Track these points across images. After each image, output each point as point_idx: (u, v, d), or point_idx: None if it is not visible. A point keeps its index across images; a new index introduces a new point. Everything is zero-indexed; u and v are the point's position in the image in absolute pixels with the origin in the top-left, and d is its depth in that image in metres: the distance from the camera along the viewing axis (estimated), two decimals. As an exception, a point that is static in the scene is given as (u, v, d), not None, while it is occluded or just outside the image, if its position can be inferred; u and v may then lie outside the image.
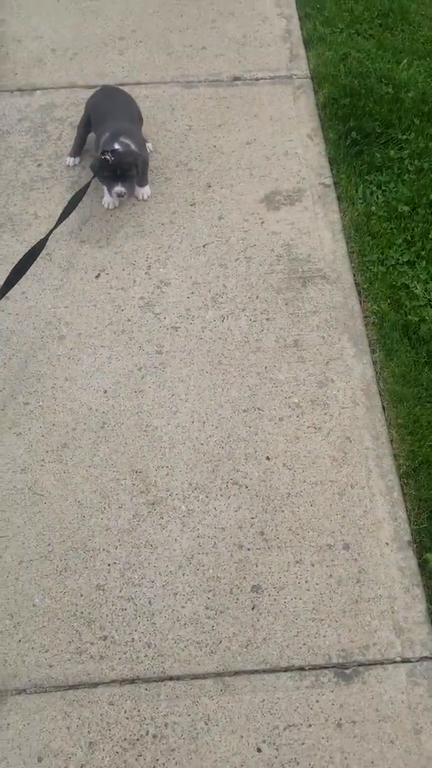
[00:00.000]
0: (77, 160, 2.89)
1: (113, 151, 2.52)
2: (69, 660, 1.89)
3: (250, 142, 2.99)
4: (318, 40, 3.33)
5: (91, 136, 2.84)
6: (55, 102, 3.11)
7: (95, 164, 2.58)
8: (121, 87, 3.10)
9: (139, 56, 3.30)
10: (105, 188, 2.73)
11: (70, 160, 2.88)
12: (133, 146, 2.59)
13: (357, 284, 2.58)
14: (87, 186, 2.62)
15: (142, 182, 2.77)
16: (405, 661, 1.89)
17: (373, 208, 2.74)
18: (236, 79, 3.21)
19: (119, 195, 2.61)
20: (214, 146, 2.97)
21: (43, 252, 2.64)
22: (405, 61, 3.21)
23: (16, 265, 2.40)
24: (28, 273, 2.57)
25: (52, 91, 3.16)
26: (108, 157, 2.51)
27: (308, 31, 3.38)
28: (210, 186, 2.86)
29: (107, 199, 2.77)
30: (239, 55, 3.29)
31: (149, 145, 2.89)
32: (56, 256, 2.65)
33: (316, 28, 3.38)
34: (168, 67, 3.25)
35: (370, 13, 3.46)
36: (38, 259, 2.61)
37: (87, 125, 2.80)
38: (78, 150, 2.87)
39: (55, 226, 2.53)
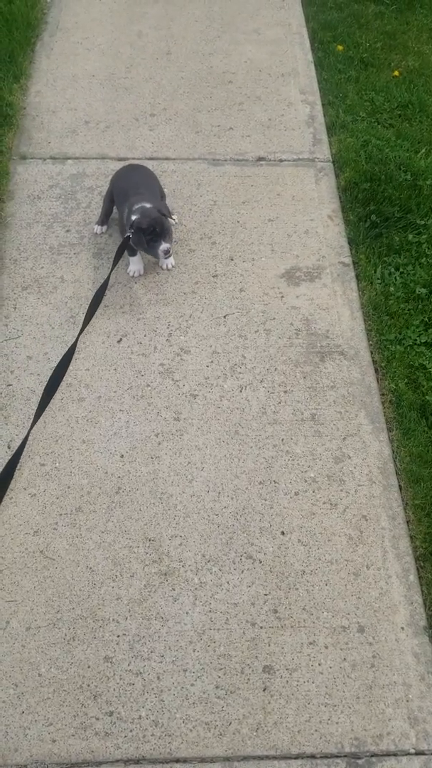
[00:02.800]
0: (104, 228, 2.97)
1: (144, 216, 2.59)
2: (73, 735, 1.83)
3: (273, 219, 3.08)
4: (340, 127, 3.48)
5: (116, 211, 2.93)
6: (85, 171, 3.22)
7: (136, 237, 2.63)
8: (149, 161, 3.23)
9: (168, 133, 3.44)
10: (130, 258, 2.80)
11: (97, 228, 2.97)
12: (154, 206, 2.65)
13: (374, 362, 2.62)
14: (107, 280, 2.67)
15: (167, 253, 2.84)
16: (419, 753, 1.83)
17: (392, 288, 2.81)
18: (261, 159, 3.34)
19: (166, 252, 2.64)
20: (238, 221, 3.07)
21: (68, 314, 2.70)
22: (423, 150, 3.35)
23: (49, 380, 2.42)
24: (51, 335, 2.62)
25: (83, 160, 3.28)
26: (130, 234, 2.61)
27: (331, 118, 3.54)
28: (232, 259, 2.93)
29: (132, 268, 2.84)
30: (264, 137, 3.43)
31: (174, 218, 2.97)
32: (79, 320, 2.69)
33: (339, 116, 3.54)
34: (196, 145, 3.38)
35: (390, 104, 3.63)
36: (62, 322, 2.66)
37: (111, 199, 2.90)
38: (104, 219, 2.96)
39: (83, 328, 2.56)
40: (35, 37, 3.97)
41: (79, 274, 2.83)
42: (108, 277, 2.65)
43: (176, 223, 2.99)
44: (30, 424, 2.36)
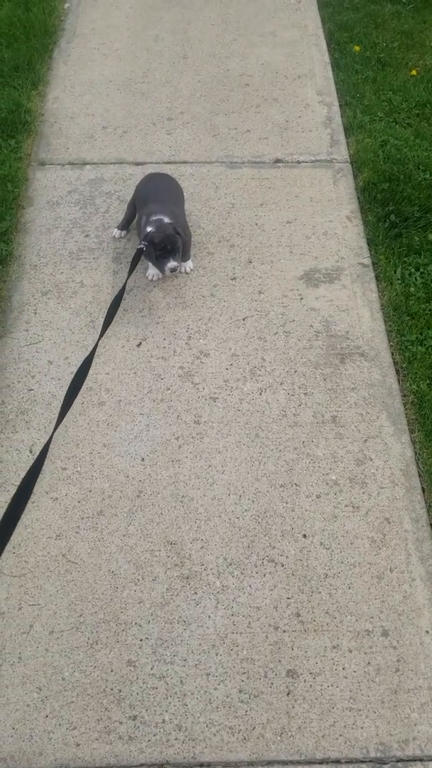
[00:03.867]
0: (123, 233, 2.98)
1: (159, 231, 2.61)
2: (97, 740, 1.83)
3: (291, 221, 3.07)
4: (358, 127, 3.46)
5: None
6: (104, 176, 3.24)
7: (146, 250, 2.65)
8: (167, 165, 3.24)
9: (186, 136, 3.44)
10: (149, 263, 2.81)
11: (116, 232, 2.98)
12: (171, 221, 2.66)
13: (395, 363, 2.60)
14: (124, 288, 2.66)
15: (186, 257, 2.85)
16: (446, 759, 1.81)
17: (412, 289, 2.79)
18: (278, 161, 3.33)
19: (173, 270, 2.66)
20: (256, 224, 3.06)
21: (87, 319, 2.71)
22: (442, 149, 3.32)
23: (70, 385, 2.31)
24: (71, 339, 2.63)
25: (101, 166, 3.30)
26: (143, 246, 2.63)
27: (348, 119, 3.53)
28: (251, 262, 2.93)
29: (151, 272, 2.84)
30: (282, 139, 3.42)
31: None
32: (99, 324, 2.70)
33: (356, 116, 3.52)
34: (213, 148, 3.38)
35: (408, 104, 3.61)
36: (82, 326, 2.68)
37: (134, 206, 2.91)
38: (125, 225, 2.97)
39: (101, 335, 2.52)
40: (53, 43, 4.00)
41: (98, 278, 2.84)
42: (124, 285, 2.65)
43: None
44: (52, 429, 2.36)
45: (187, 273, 2.88)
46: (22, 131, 3.40)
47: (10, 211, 3.05)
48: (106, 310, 2.67)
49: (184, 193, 3.03)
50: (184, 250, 2.80)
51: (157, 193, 2.81)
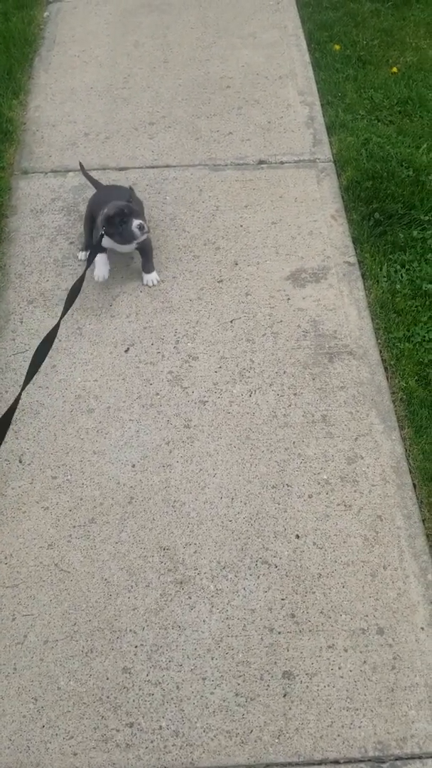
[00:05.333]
0: (87, 253, 2.92)
1: (112, 206, 2.62)
2: (94, 748, 1.82)
3: (276, 222, 3.07)
4: (340, 126, 3.46)
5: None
6: (87, 183, 3.23)
7: (109, 227, 2.62)
8: (150, 169, 3.25)
9: (168, 140, 3.44)
10: (96, 261, 2.76)
11: (81, 255, 2.94)
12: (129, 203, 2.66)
13: (384, 360, 2.60)
14: (83, 277, 2.52)
15: (149, 268, 2.83)
16: (445, 755, 1.81)
17: (398, 286, 2.79)
18: (262, 162, 3.33)
19: (141, 230, 2.61)
20: (241, 226, 3.06)
21: (75, 326, 2.71)
22: (425, 145, 3.33)
23: (33, 357, 2.16)
24: (58, 347, 2.63)
25: (84, 172, 3.29)
26: (103, 229, 2.62)
27: (330, 118, 3.53)
28: (237, 264, 2.93)
29: (99, 272, 2.79)
30: (264, 140, 3.43)
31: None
32: (86, 331, 2.70)
33: (338, 115, 3.52)
34: (196, 151, 3.38)
35: (390, 101, 3.61)
36: (69, 333, 2.67)
37: (91, 220, 2.85)
38: (88, 244, 2.91)
39: (61, 318, 2.40)
40: (33, 52, 4.00)
41: (84, 285, 2.82)
42: (84, 274, 2.55)
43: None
44: (41, 437, 2.36)
45: (151, 286, 2.84)
46: (4, 140, 3.39)
47: (-7, 221, 3.05)
48: (94, 315, 2.66)
49: (167, 198, 3.02)
50: (146, 258, 2.81)
51: (110, 198, 2.78)
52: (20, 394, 1.92)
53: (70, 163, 3.34)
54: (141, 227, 2.62)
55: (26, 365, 2.55)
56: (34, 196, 3.20)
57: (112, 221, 2.62)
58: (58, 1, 4.39)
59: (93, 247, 2.70)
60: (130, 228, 2.62)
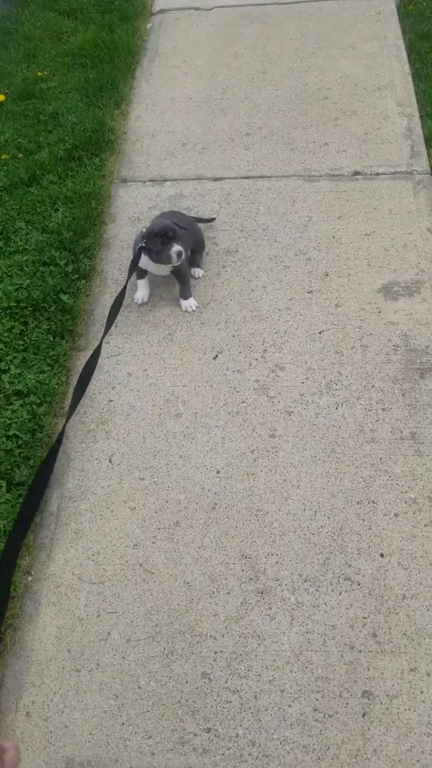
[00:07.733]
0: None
1: (155, 224, 2.65)
2: (171, 750, 1.85)
3: (369, 233, 3.04)
4: (439, 138, 3.40)
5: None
6: (183, 192, 3.30)
7: (150, 242, 2.63)
8: (244, 179, 3.27)
9: (263, 151, 3.46)
10: (137, 281, 2.84)
11: (140, 285, 2.91)
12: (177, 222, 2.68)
13: None
14: (125, 289, 2.61)
15: (186, 294, 2.84)
16: None
17: None
18: (357, 173, 3.31)
19: (179, 255, 2.62)
20: (333, 237, 3.05)
21: (166, 332, 2.76)
22: None
23: (81, 373, 2.19)
24: (150, 352, 2.69)
25: (180, 182, 3.36)
26: (143, 243, 2.64)
27: (429, 129, 3.46)
28: (328, 275, 2.91)
29: (138, 294, 2.86)
30: (360, 151, 3.40)
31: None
32: (177, 337, 2.75)
33: (438, 127, 3.46)
34: (291, 162, 3.39)
35: None
36: (160, 339, 2.73)
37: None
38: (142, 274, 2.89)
39: (105, 334, 2.45)
40: (135, 63, 4.12)
41: (176, 292, 2.89)
42: (125, 287, 2.60)
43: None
44: (130, 438, 2.42)
45: (189, 312, 2.85)
46: (106, 149, 3.51)
47: (93, 228, 3.15)
48: (183, 322, 2.72)
49: (261, 208, 3.04)
50: (183, 284, 2.83)
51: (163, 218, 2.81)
52: (69, 416, 2.02)
53: (168, 172, 3.42)
54: (179, 254, 2.63)
55: (119, 368, 2.64)
56: (132, 204, 3.29)
57: (154, 239, 2.63)
58: (161, 13, 4.51)
59: (132, 261, 2.73)
60: (168, 250, 2.62)
